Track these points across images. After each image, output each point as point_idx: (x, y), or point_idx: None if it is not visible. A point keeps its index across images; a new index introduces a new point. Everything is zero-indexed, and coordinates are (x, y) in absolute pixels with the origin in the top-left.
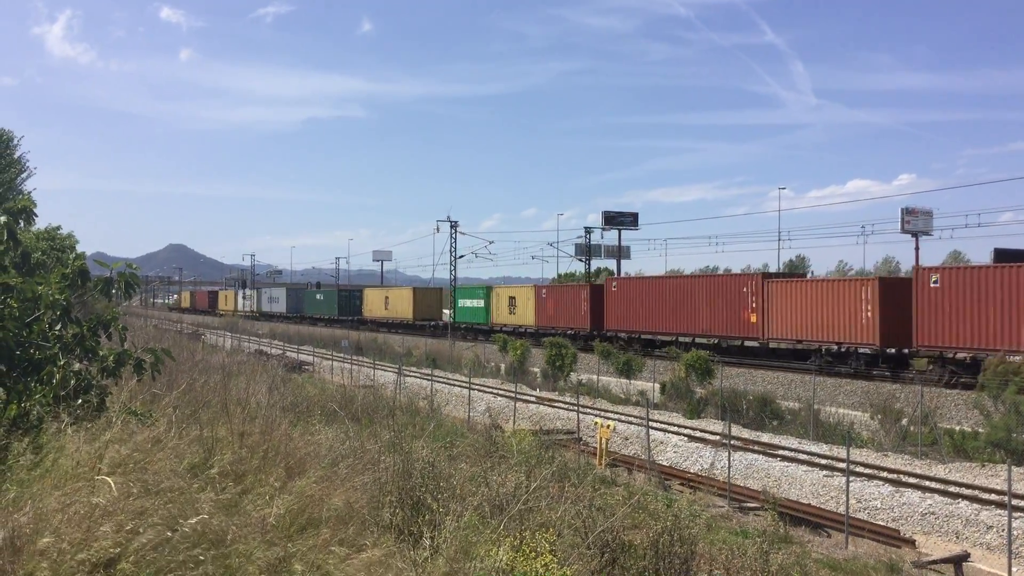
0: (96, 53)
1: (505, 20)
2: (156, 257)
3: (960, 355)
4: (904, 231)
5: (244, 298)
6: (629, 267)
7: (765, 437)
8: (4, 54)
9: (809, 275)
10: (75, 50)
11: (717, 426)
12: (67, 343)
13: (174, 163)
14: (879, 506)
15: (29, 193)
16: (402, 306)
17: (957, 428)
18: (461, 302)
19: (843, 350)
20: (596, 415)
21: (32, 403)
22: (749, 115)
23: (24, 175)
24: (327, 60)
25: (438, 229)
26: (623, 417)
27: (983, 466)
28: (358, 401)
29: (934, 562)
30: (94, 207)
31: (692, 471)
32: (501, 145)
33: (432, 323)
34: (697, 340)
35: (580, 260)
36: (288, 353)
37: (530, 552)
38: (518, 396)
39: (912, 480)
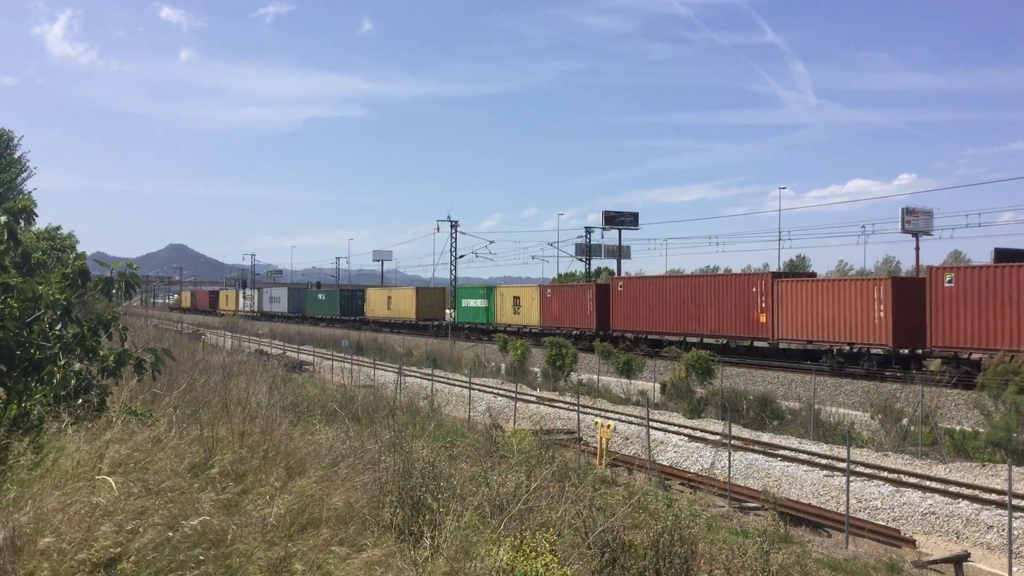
0: (96, 53)
1: (505, 20)
2: (156, 257)
3: (975, 356)
4: (904, 231)
5: (245, 298)
6: (629, 267)
7: (765, 437)
8: (4, 54)
9: (816, 276)
10: (75, 50)
11: (717, 426)
12: (67, 343)
13: (174, 163)
14: (879, 506)
15: (29, 193)
16: (405, 306)
17: (958, 428)
18: (464, 302)
19: (855, 351)
20: (596, 415)
21: (32, 403)
22: (749, 115)
23: (24, 175)
24: (327, 60)
25: (438, 229)
26: (623, 417)
27: (983, 466)
28: (358, 401)
29: (934, 562)
30: (94, 207)
31: (692, 471)
32: (501, 145)
33: (435, 323)
34: (705, 340)
35: (580, 260)
36: (288, 353)
37: (530, 552)
38: (518, 396)
39: (912, 480)
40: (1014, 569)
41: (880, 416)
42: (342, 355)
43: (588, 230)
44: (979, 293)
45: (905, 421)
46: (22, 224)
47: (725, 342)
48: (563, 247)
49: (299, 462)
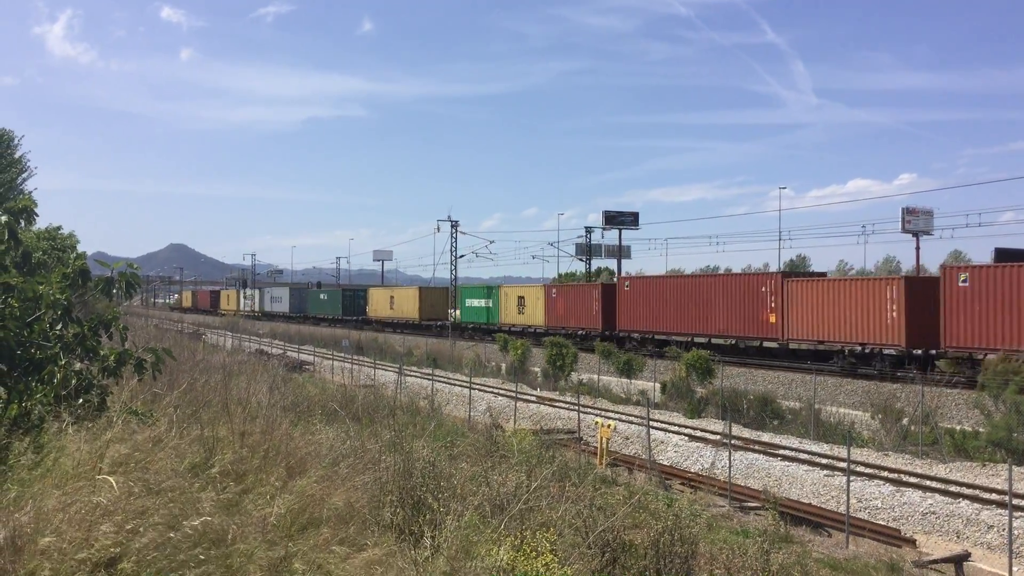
0: (97, 53)
1: (505, 20)
2: (157, 257)
3: (991, 356)
4: (905, 231)
5: (246, 298)
6: (629, 267)
7: (766, 437)
8: (5, 54)
9: (826, 275)
10: (75, 50)
11: (718, 426)
12: (68, 343)
13: (174, 163)
14: (880, 506)
15: (30, 193)
16: (408, 306)
17: (958, 428)
18: (468, 302)
19: (867, 351)
20: (597, 415)
21: (33, 403)
22: (750, 115)
23: (25, 175)
24: (327, 60)
25: (439, 229)
26: (624, 417)
27: (984, 466)
28: (359, 401)
29: (935, 561)
30: (95, 207)
31: (693, 471)
32: (501, 145)
33: (439, 323)
34: (713, 341)
35: (581, 260)
36: (289, 353)
37: (531, 551)
38: (519, 396)
39: (913, 480)
40: (1015, 569)
41: (880, 416)
42: (342, 355)
43: (588, 230)
44: (994, 293)
45: (905, 421)
46: (23, 224)
47: (734, 342)
48: (563, 247)
49: (299, 462)
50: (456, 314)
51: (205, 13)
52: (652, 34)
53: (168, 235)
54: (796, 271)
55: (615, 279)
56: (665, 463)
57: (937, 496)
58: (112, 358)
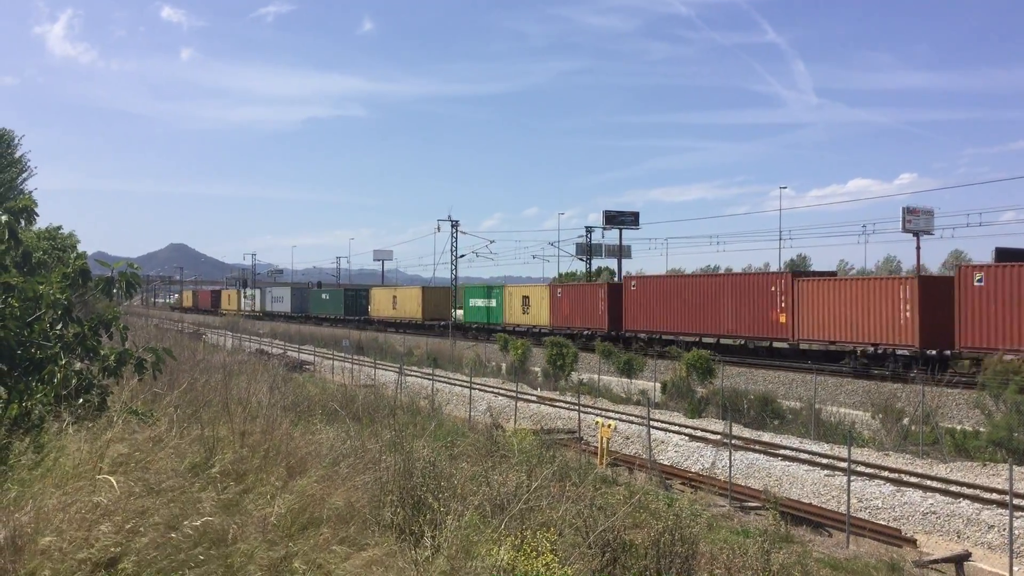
0: (97, 53)
1: (506, 19)
2: (157, 256)
3: (1007, 357)
4: (905, 230)
5: (248, 298)
6: (629, 266)
7: (766, 436)
8: (5, 54)
9: (836, 274)
10: (76, 50)
11: (718, 425)
12: (68, 342)
13: (175, 163)
14: (880, 505)
15: (30, 193)
16: (411, 306)
17: (958, 427)
18: (472, 301)
19: (880, 351)
20: (597, 414)
21: (33, 402)
22: (750, 114)
23: (25, 175)
24: (328, 59)
25: (439, 228)
26: (624, 416)
27: (984, 465)
28: (359, 400)
29: (935, 561)
30: (95, 207)
31: (693, 470)
32: (502, 144)
33: (442, 323)
34: (722, 341)
35: (581, 259)
36: (289, 353)
37: (531, 551)
38: (519, 395)
39: (913, 479)
40: (1015, 569)
41: (881, 416)
42: (343, 355)
43: (589, 230)
44: (1011, 292)
45: (906, 421)
46: (23, 224)
47: (743, 343)
48: (564, 247)
49: (300, 461)
50: (459, 314)
51: (205, 13)
52: (652, 34)
53: (168, 235)
54: (807, 270)
55: (615, 279)
56: (665, 463)
57: (938, 496)
58: (112, 358)
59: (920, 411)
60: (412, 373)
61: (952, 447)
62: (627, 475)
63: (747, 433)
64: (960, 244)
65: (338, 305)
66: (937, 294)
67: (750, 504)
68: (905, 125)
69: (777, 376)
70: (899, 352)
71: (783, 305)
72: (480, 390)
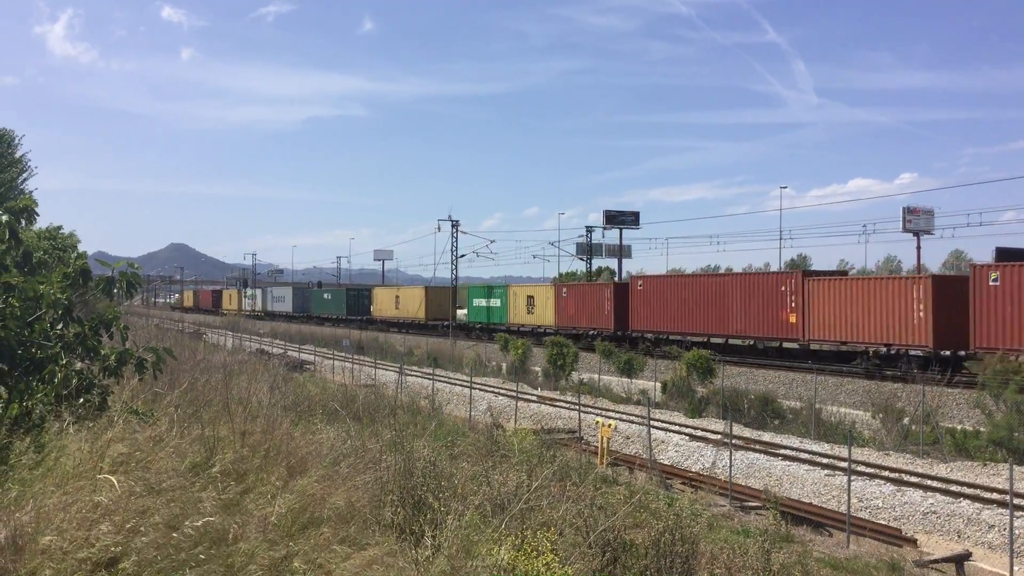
0: (97, 52)
1: (506, 19)
2: (157, 256)
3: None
4: (905, 230)
5: (249, 297)
6: (630, 266)
7: (766, 436)
8: (6, 53)
9: (848, 274)
10: (76, 49)
11: (718, 425)
12: (69, 342)
13: (175, 162)
14: (881, 505)
15: (30, 193)
16: (414, 305)
17: (959, 427)
18: (476, 301)
19: (892, 352)
20: (597, 414)
21: (34, 402)
22: (750, 114)
23: (25, 175)
24: (328, 59)
25: (439, 228)
26: (624, 416)
27: (985, 465)
28: (359, 400)
29: (936, 561)
30: (95, 206)
31: (693, 470)
32: (502, 144)
33: (445, 323)
34: (730, 342)
35: (581, 259)
36: (290, 352)
37: (532, 551)
38: (519, 395)
39: (914, 479)
40: (1016, 568)
41: (881, 415)
42: (344, 355)
43: (589, 229)
44: None
45: (906, 420)
46: (23, 223)
47: (752, 343)
48: (564, 246)
49: (300, 461)
50: (462, 314)
51: (206, 13)
52: (653, 34)
53: (169, 235)
54: (818, 270)
55: (615, 278)
56: (666, 462)
57: (938, 496)
58: (113, 358)
59: (920, 411)
60: (412, 373)
61: (952, 447)
62: (627, 475)
63: (747, 433)
64: (960, 244)
65: (340, 305)
66: (951, 294)
67: (750, 504)
68: (905, 125)
69: (777, 376)
70: (912, 353)
71: (793, 305)
72: (480, 390)
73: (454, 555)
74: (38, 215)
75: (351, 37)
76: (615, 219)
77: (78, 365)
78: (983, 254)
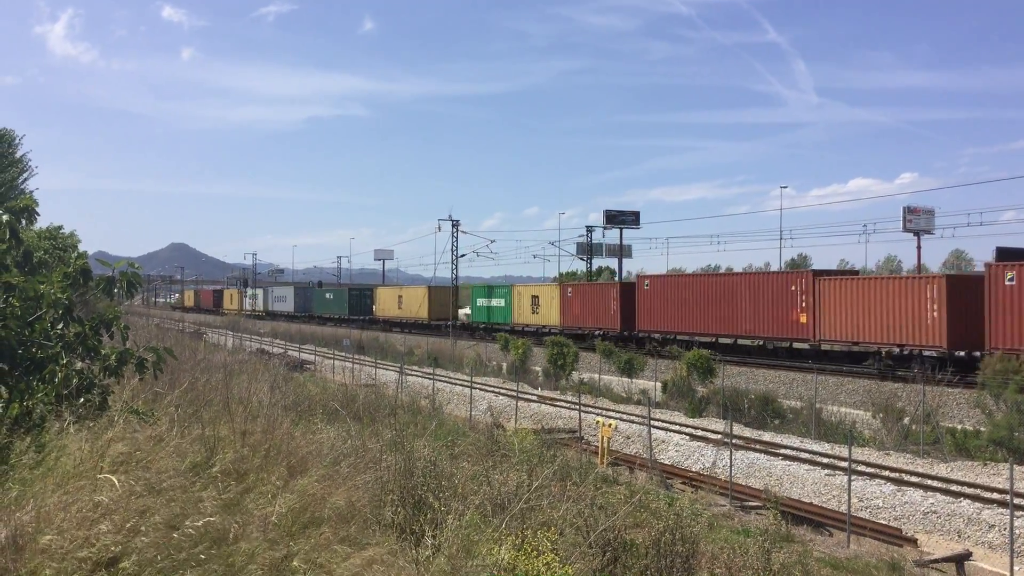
0: (98, 52)
1: (506, 19)
2: (158, 256)
3: None
4: (906, 230)
5: (250, 297)
6: (630, 266)
7: (767, 436)
8: (6, 53)
9: (859, 273)
10: (77, 49)
11: (719, 425)
12: (69, 342)
13: (175, 162)
14: (881, 505)
15: (31, 192)
16: (416, 305)
17: (959, 427)
18: (479, 301)
19: (906, 352)
20: (598, 414)
21: (34, 402)
22: (751, 114)
23: (26, 175)
24: (328, 59)
25: (440, 228)
26: (625, 416)
27: (985, 465)
28: (360, 400)
29: (936, 561)
30: (96, 206)
31: (694, 470)
32: (502, 144)
33: (448, 323)
34: (739, 342)
35: (582, 259)
36: (290, 352)
37: (532, 551)
38: (520, 395)
39: (914, 479)
40: (1016, 568)
41: (881, 415)
42: (344, 354)
43: (589, 229)
44: None
45: (907, 420)
46: (24, 223)
47: (762, 343)
48: (564, 246)
49: (301, 461)
50: (463, 313)
51: (206, 13)
52: (653, 33)
53: (169, 234)
54: (829, 269)
55: (615, 278)
56: (666, 462)
57: (938, 495)
58: (113, 357)
59: (921, 410)
60: (413, 373)
61: (953, 446)
62: (628, 474)
63: (748, 433)
64: (961, 244)
65: (342, 305)
66: (966, 294)
67: (751, 504)
68: (905, 124)
69: (778, 376)
70: (926, 353)
71: (804, 305)
72: (481, 390)
73: (454, 555)
74: (39, 215)
75: (351, 37)
76: (615, 219)
77: (78, 365)
78: (983, 254)
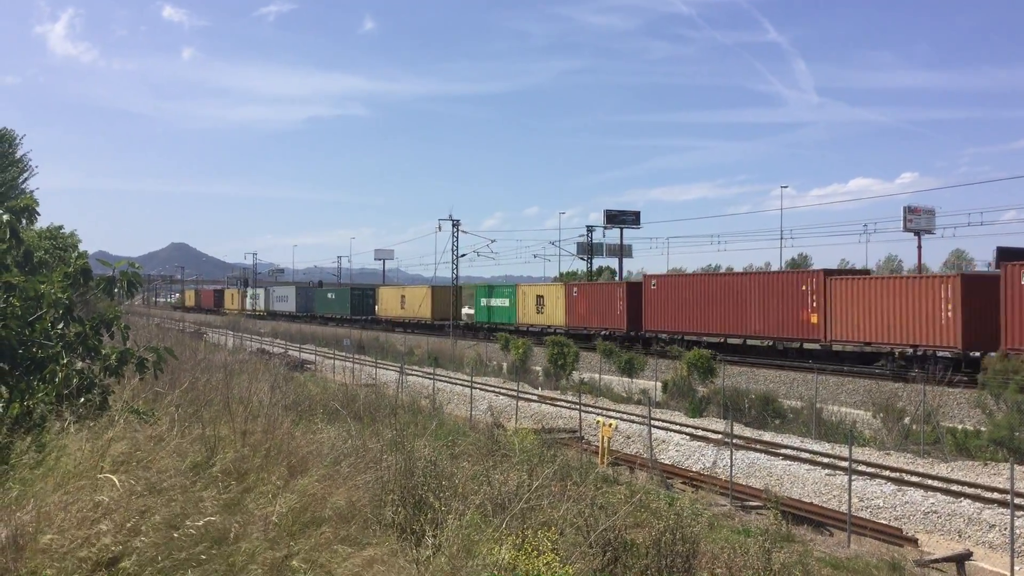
0: (98, 52)
1: (507, 19)
2: (158, 256)
3: None
4: (906, 230)
5: (251, 297)
6: (631, 266)
7: (767, 436)
8: (7, 53)
9: (871, 273)
10: (77, 49)
11: (719, 425)
12: (70, 342)
13: (176, 162)
14: (881, 505)
15: (31, 192)
16: (419, 305)
17: (959, 427)
18: (483, 301)
19: (919, 353)
20: (598, 414)
21: (35, 402)
22: (751, 113)
23: (26, 174)
24: (329, 59)
25: (440, 228)
26: (625, 416)
27: (985, 465)
28: (360, 400)
29: (936, 561)
30: (96, 206)
31: (694, 470)
32: (502, 144)
33: (451, 323)
34: (749, 342)
35: (582, 259)
36: (291, 352)
37: (532, 550)
38: (520, 395)
39: (914, 479)
40: (1016, 568)
41: (882, 415)
42: (344, 354)
43: (590, 229)
44: None
45: (907, 420)
46: (24, 223)
47: (771, 344)
48: (565, 246)
49: (301, 461)
50: (466, 313)
51: (206, 12)
52: (653, 33)
53: (169, 234)
54: (840, 269)
55: (616, 278)
56: (667, 462)
57: (939, 495)
58: (114, 357)
59: (921, 410)
60: (413, 372)
61: (953, 446)
62: (628, 474)
63: (748, 432)
64: (961, 243)
65: (344, 304)
66: (981, 293)
67: (751, 503)
68: (906, 124)
69: (779, 375)
70: (940, 354)
71: (815, 305)
72: (481, 389)
73: (455, 554)
74: (39, 214)
75: (352, 37)
76: (616, 219)
77: (79, 364)
78: (984, 254)
